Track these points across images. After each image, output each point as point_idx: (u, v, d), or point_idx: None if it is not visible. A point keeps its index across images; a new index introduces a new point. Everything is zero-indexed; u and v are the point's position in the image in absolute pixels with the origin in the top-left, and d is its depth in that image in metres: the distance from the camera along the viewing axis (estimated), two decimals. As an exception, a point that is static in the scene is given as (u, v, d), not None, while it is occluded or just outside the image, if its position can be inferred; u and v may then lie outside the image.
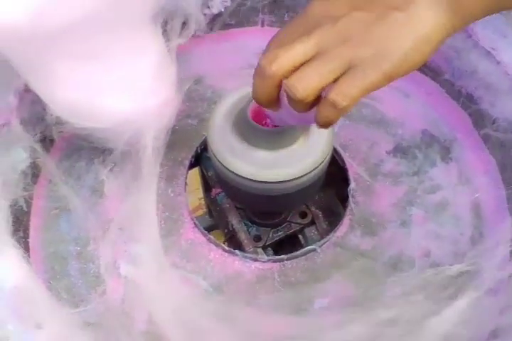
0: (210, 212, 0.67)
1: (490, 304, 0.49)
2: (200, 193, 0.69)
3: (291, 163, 0.45)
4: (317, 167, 0.46)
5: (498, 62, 0.53)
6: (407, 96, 0.63)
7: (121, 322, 0.49)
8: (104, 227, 0.54)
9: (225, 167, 0.46)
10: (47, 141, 0.57)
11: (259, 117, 0.45)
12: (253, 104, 0.45)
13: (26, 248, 0.52)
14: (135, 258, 0.52)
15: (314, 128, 0.46)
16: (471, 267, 0.52)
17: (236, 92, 0.48)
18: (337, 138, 0.59)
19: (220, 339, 0.49)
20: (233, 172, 0.45)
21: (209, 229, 0.65)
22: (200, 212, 0.70)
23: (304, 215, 0.60)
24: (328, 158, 0.47)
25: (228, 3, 0.61)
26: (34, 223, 0.54)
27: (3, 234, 0.45)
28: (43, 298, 0.45)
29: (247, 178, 0.45)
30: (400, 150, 0.59)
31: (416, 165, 0.58)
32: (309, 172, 0.45)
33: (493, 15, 0.52)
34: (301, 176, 0.45)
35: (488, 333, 0.47)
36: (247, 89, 0.47)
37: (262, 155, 0.44)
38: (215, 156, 0.46)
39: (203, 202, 0.69)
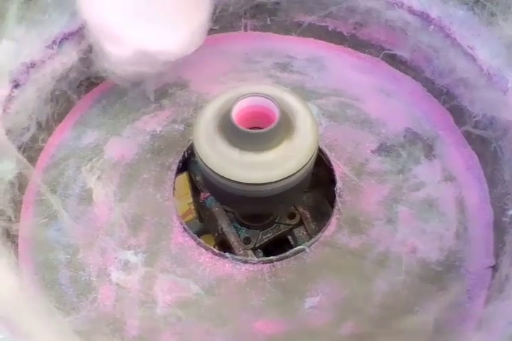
0: (200, 217, 0.68)
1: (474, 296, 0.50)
2: (190, 198, 0.69)
3: (277, 164, 0.45)
4: (303, 167, 0.46)
5: (475, 60, 0.54)
6: (390, 96, 0.64)
7: (114, 328, 0.49)
8: (94, 235, 0.54)
9: (212, 170, 0.46)
10: (33, 150, 0.57)
11: (244, 120, 0.46)
12: (237, 108, 0.45)
13: (16, 258, 0.52)
14: (125, 265, 0.52)
15: (299, 130, 0.46)
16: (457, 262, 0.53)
17: (220, 97, 0.48)
18: (322, 139, 0.60)
19: (212, 341, 0.49)
20: (220, 176, 0.46)
21: (199, 233, 0.65)
22: (190, 216, 0.70)
23: (292, 216, 0.61)
24: (313, 158, 0.47)
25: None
26: (22, 233, 0.54)
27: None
28: (34, 308, 0.45)
29: (235, 181, 0.45)
30: (384, 149, 0.60)
31: (400, 163, 0.59)
32: (296, 173, 0.46)
33: (467, 14, 0.53)
34: (288, 177, 0.46)
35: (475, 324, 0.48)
36: (231, 94, 0.48)
37: (249, 157, 0.45)
38: (202, 160, 0.46)
39: (192, 207, 0.70)
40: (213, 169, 0.46)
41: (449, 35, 0.55)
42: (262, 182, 0.45)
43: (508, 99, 0.52)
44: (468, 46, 0.54)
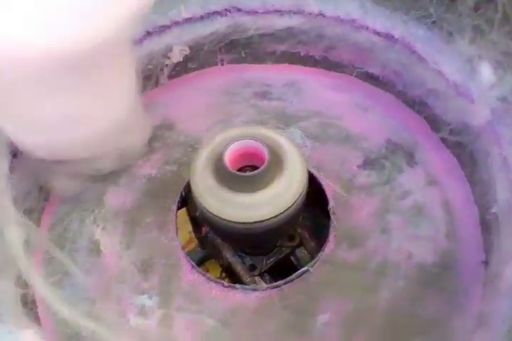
0: (201, 244, 0.70)
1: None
2: (189, 226, 0.72)
3: (270, 202, 0.48)
4: (294, 202, 0.49)
5: (441, 73, 0.57)
6: (367, 111, 0.66)
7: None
8: (107, 285, 0.56)
9: (209, 211, 0.49)
10: (37, 211, 0.59)
11: (237, 161, 0.48)
12: (229, 152, 0.48)
13: (36, 318, 0.54)
14: (142, 309, 0.55)
15: (288, 170, 0.49)
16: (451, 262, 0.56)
17: (213, 140, 0.51)
18: (310, 160, 0.62)
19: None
20: (217, 216, 0.48)
21: (203, 259, 0.67)
22: (193, 245, 0.72)
23: (291, 238, 0.64)
24: (304, 191, 0.50)
25: (187, 52, 0.63)
26: (38, 295, 0.56)
27: (16, 314, 0.47)
28: None
29: (231, 221, 0.48)
30: (369, 163, 0.63)
31: (385, 175, 0.62)
32: (287, 209, 0.49)
33: (427, 34, 0.56)
34: (281, 213, 0.48)
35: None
36: (223, 136, 0.50)
37: (242, 198, 0.48)
38: (200, 201, 0.49)
39: (193, 234, 0.72)
40: (209, 210, 0.49)
41: (414, 51, 0.58)
42: (258, 220, 0.48)
43: (475, 107, 0.55)
44: (433, 62, 0.57)
